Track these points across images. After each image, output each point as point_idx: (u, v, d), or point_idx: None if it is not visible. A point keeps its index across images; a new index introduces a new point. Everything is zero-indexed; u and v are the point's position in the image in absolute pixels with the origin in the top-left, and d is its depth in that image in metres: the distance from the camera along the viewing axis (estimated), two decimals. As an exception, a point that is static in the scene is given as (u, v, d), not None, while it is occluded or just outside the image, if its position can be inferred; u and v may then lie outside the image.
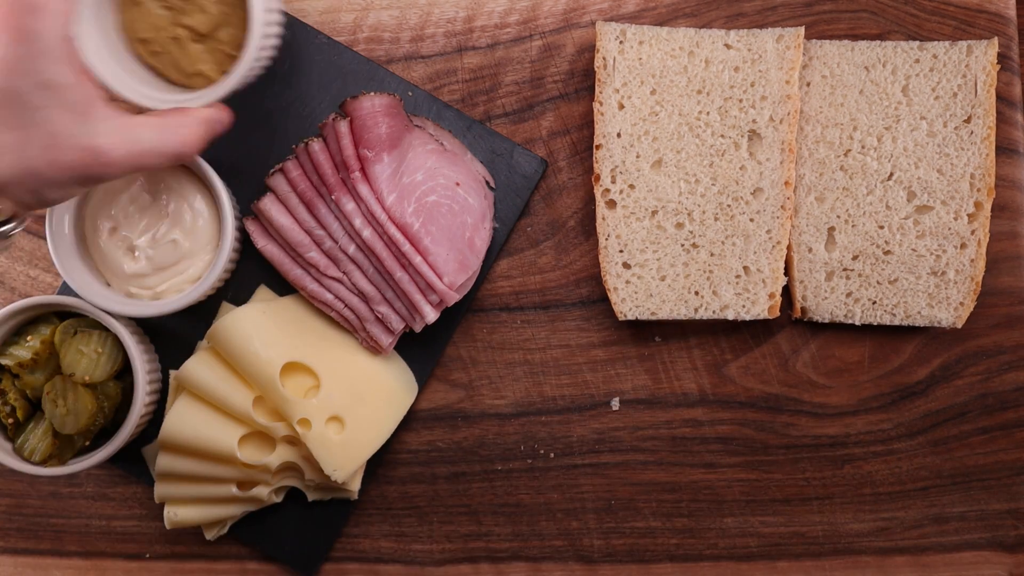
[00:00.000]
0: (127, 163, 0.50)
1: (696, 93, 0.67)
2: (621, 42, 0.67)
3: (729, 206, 0.67)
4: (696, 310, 0.67)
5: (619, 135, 0.67)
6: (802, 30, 0.67)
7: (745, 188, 0.67)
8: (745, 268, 0.67)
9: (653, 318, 0.68)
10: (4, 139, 0.48)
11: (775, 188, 0.67)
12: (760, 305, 0.67)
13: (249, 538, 0.69)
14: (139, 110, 0.57)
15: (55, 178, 0.49)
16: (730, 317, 0.67)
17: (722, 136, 0.67)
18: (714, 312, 0.68)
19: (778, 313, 0.68)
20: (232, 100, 0.70)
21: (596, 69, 0.67)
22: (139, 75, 0.62)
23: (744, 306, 0.67)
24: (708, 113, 0.67)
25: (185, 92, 0.62)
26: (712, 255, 0.67)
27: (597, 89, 0.67)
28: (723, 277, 0.67)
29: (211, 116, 0.58)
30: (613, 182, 0.67)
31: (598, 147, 0.67)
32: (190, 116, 0.55)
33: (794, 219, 0.68)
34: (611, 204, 0.68)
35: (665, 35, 0.67)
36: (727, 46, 0.68)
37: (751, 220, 0.67)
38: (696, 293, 0.67)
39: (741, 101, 0.67)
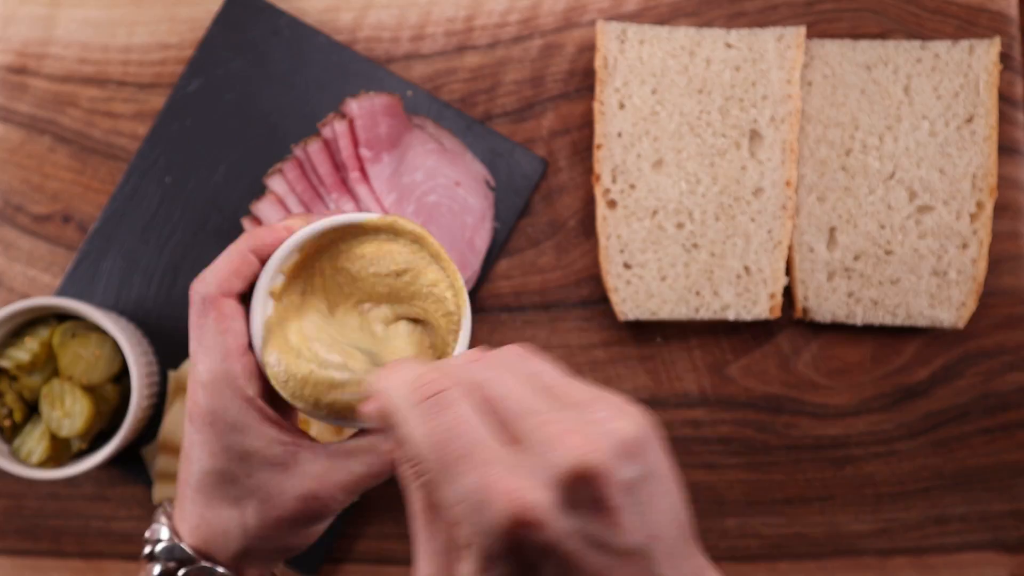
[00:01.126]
0: (345, 496, 0.48)
1: (697, 92, 0.67)
2: (622, 41, 0.67)
3: (730, 206, 0.67)
4: (697, 310, 0.67)
5: (619, 135, 0.67)
6: (803, 29, 0.67)
7: (746, 188, 0.67)
8: (746, 268, 0.67)
9: (654, 318, 0.67)
10: (227, 518, 0.48)
11: (776, 188, 0.67)
12: (761, 305, 0.67)
13: (248, 539, 0.69)
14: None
15: (285, 533, 0.49)
16: (731, 317, 0.67)
17: (723, 136, 0.67)
18: (715, 312, 0.67)
19: (779, 313, 0.67)
20: (229, 100, 0.70)
21: (596, 68, 0.67)
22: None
23: (745, 306, 0.67)
24: (709, 113, 0.67)
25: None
26: (713, 255, 0.67)
27: (597, 89, 0.67)
28: (724, 277, 0.67)
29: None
30: (613, 182, 0.67)
31: (598, 147, 0.67)
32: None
33: (795, 219, 0.68)
34: (611, 204, 0.67)
35: (666, 34, 0.67)
36: (728, 45, 0.67)
37: (752, 220, 0.67)
38: (697, 293, 0.67)
39: (742, 101, 0.67)
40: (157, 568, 0.48)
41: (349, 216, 0.48)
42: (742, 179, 0.67)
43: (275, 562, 0.51)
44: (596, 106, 0.67)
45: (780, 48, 0.67)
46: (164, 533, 0.49)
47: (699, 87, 0.67)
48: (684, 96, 0.67)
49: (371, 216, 0.48)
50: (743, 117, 0.67)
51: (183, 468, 0.50)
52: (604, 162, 0.67)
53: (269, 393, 0.49)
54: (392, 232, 0.48)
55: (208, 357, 0.47)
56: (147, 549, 0.49)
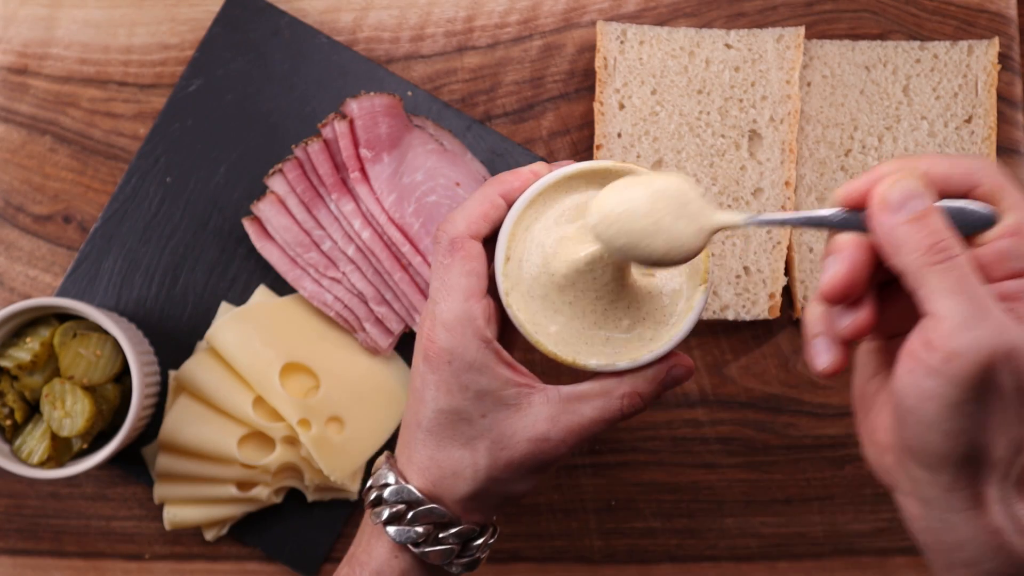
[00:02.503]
0: (574, 440, 0.49)
1: (696, 93, 0.67)
2: (622, 42, 0.67)
3: (729, 206, 0.67)
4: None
5: (619, 135, 0.67)
6: (802, 30, 0.67)
7: (745, 188, 0.67)
8: (745, 268, 0.67)
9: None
10: (458, 458, 0.49)
11: (775, 188, 0.67)
12: (760, 305, 0.67)
13: (249, 538, 0.69)
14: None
15: (513, 476, 0.49)
16: (730, 317, 0.67)
17: (722, 136, 0.67)
18: (714, 312, 0.67)
19: (779, 313, 0.68)
20: (230, 101, 0.70)
21: (596, 69, 0.67)
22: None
23: (744, 306, 0.67)
24: (708, 113, 0.67)
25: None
26: (712, 255, 0.67)
27: (597, 89, 0.67)
28: (723, 277, 0.67)
29: (664, 375, 0.51)
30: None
31: (598, 147, 0.67)
32: (636, 379, 0.50)
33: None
34: (611, 204, 0.67)
35: (665, 35, 0.67)
36: (727, 46, 0.67)
37: (751, 220, 0.67)
38: None
39: (741, 101, 0.67)
40: (386, 512, 0.49)
41: (592, 163, 0.50)
42: (741, 179, 0.67)
43: (497, 509, 0.51)
44: (596, 107, 0.67)
45: (779, 49, 0.67)
46: (391, 477, 0.50)
47: (699, 88, 0.67)
48: (684, 97, 0.67)
49: (613, 162, 0.50)
50: (742, 117, 0.67)
51: (412, 410, 0.50)
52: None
53: (502, 336, 0.51)
54: (632, 175, 0.49)
55: (451, 296, 0.48)
56: (373, 495, 0.50)
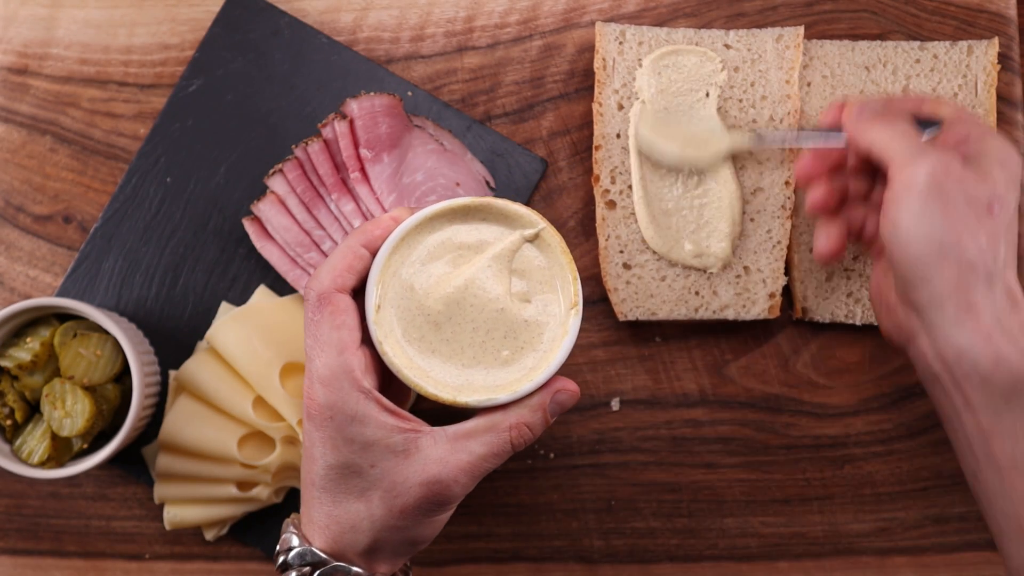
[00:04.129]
0: (466, 479, 0.50)
1: (695, 93, 0.67)
2: (620, 43, 0.67)
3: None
4: (696, 310, 0.67)
5: (619, 136, 0.67)
6: (801, 30, 0.67)
7: (745, 188, 0.67)
8: (745, 268, 0.67)
9: (653, 318, 0.68)
10: (354, 511, 0.49)
11: (775, 188, 0.67)
12: (760, 305, 0.67)
13: (249, 538, 0.69)
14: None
15: (410, 523, 0.50)
16: (730, 317, 0.67)
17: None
18: (714, 312, 0.67)
19: (778, 313, 0.68)
20: (230, 101, 0.70)
21: (596, 70, 0.67)
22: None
23: (744, 306, 0.67)
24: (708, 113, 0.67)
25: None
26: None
27: (597, 90, 0.67)
28: (723, 277, 0.67)
29: (547, 402, 0.51)
30: (613, 183, 0.67)
31: (597, 148, 0.67)
32: (521, 409, 0.51)
33: (794, 219, 0.68)
34: (611, 205, 0.68)
35: (665, 36, 0.67)
36: (727, 46, 0.67)
37: (751, 220, 0.67)
38: (696, 293, 0.67)
39: (741, 101, 0.67)
40: (293, 575, 0.49)
41: (450, 201, 0.51)
42: (741, 179, 0.67)
43: (403, 557, 0.52)
44: (595, 107, 0.67)
45: (779, 49, 0.67)
46: (295, 541, 0.51)
47: (699, 88, 0.67)
48: (683, 97, 0.67)
49: (471, 199, 0.51)
50: (742, 117, 0.67)
51: (306, 470, 0.51)
52: (603, 163, 0.67)
53: (383, 384, 0.51)
54: (487, 211, 0.52)
55: (325, 353, 0.49)
56: (280, 559, 0.50)
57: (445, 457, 0.49)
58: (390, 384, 0.53)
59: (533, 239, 0.51)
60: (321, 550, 0.50)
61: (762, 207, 0.67)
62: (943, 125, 0.57)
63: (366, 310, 0.50)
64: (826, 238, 0.60)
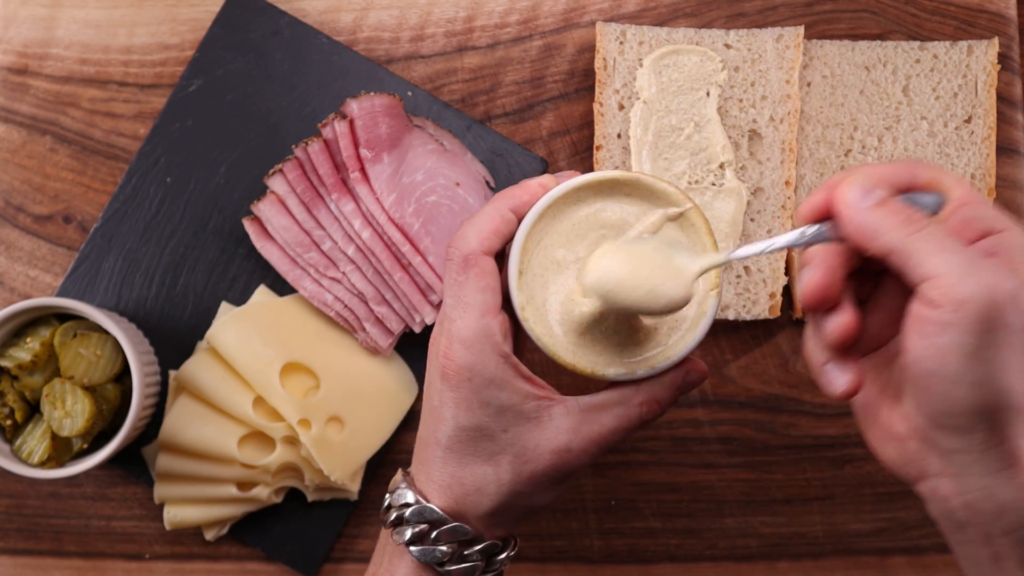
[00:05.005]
0: (595, 450, 0.50)
1: (695, 93, 0.67)
2: (621, 43, 0.67)
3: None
4: None
5: (619, 135, 0.67)
6: (801, 29, 0.67)
7: (745, 188, 0.67)
8: (745, 268, 0.67)
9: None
10: (481, 474, 0.49)
11: (775, 188, 0.67)
12: (761, 305, 0.67)
13: (249, 538, 0.69)
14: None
15: (535, 489, 0.50)
16: (731, 317, 0.67)
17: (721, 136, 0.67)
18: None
19: (779, 313, 0.68)
20: (230, 101, 0.70)
21: (596, 70, 0.67)
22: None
23: (745, 306, 0.67)
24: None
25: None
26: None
27: (597, 90, 0.67)
28: (724, 277, 0.67)
29: (680, 380, 0.51)
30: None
31: (598, 148, 0.67)
32: (654, 386, 0.51)
33: (795, 219, 0.68)
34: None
35: (665, 35, 0.67)
36: (727, 46, 0.67)
37: (751, 220, 0.67)
38: None
39: (741, 101, 0.67)
40: (408, 532, 0.49)
41: (599, 173, 0.50)
42: (742, 179, 0.67)
43: (518, 522, 0.52)
44: (596, 107, 0.67)
45: (779, 48, 0.67)
46: (410, 497, 0.50)
47: (698, 88, 0.67)
48: (683, 95, 0.67)
49: (619, 172, 0.50)
50: (742, 117, 0.67)
51: (430, 428, 0.51)
52: (604, 163, 0.67)
53: (517, 350, 0.51)
54: (634, 187, 0.50)
55: (467, 313, 0.49)
56: (393, 515, 0.50)
57: (576, 427, 0.49)
58: (521, 351, 0.53)
59: (676, 218, 0.51)
60: (441, 508, 0.50)
61: (762, 207, 0.67)
62: (947, 204, 0.44)
63: (508, 275, 0.50)
64: (842, 376, 0.45)
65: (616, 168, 0.67)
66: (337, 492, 0.68)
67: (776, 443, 0.70)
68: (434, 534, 0.49)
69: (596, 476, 0.70)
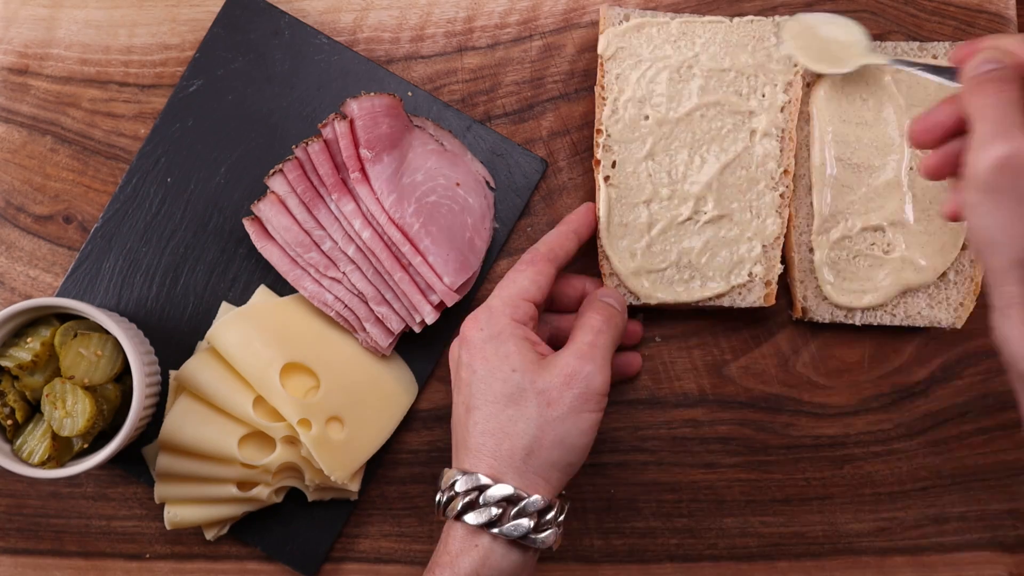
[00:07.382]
0: (600, 359, 0.58)
1: (697, 78, 0.67)
2: (624, 27, 0.67)
3: (728, 194, 0.67)
4: (692, 297, 0.67)
5: (619, 121, 0.67)
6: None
7: (744, 176, 0.67)
8: (742, 256, 0.67)
9: (648, 304, 0.67)
10: (508, 416, 0.56)
11: (775, 176, 0.67)
12: (756, 293, 0.67)
13: (249, 538, 0.69)
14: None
15: (561, 415, 0.56)
16: (726, 304, 0.67)
17: (722, 123, 0.67)
18: (710, 300, 0.67)
19: (774, 301, 0.67)
20: (230, 101, 0.70)
21: (599, 54, 0.67)
22: None
23: (740, 293, 0.67)
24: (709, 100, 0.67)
25: None
26: (709, 242, 0.67)
27: (599, 74, 0.67)
28: (720, 265, 0.67)
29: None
30: (613, 167, 0.67)
31: (598, 132, 0.67)
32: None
33: (794, 219, 0.68)
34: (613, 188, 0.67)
35: (668, 21, 0.67)
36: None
37: (749, 208, 0.67)
38: (692, 279, 0.67)
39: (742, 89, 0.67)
40: (460, 503, 0.55)
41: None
42: (741, 167, 0.67)
43: (556, 471, 0.57)
44: (597, 91, 0.67)
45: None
46: (457, 474, 0.56)
47: (700, 74, 0.67)
48: (685, 83, 0.67)
49: None
50: (743, 104, 0.67)
51: (461, 405, 0.58)
52: (605, 148, 0.67)
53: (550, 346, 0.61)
54: None
55: (507, 290, 0.60)
56: (444, 497, 0.56)
57: (572, 357, 0.57)
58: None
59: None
60: (484, 474, 0.55)
61: (760, 194, 0.67)
62: None
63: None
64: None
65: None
66: (337, 492, 0.68)
67: (775, 443, 0.70)
68: (482, 498, 0.54)
69: (596, 476, 0.70)
